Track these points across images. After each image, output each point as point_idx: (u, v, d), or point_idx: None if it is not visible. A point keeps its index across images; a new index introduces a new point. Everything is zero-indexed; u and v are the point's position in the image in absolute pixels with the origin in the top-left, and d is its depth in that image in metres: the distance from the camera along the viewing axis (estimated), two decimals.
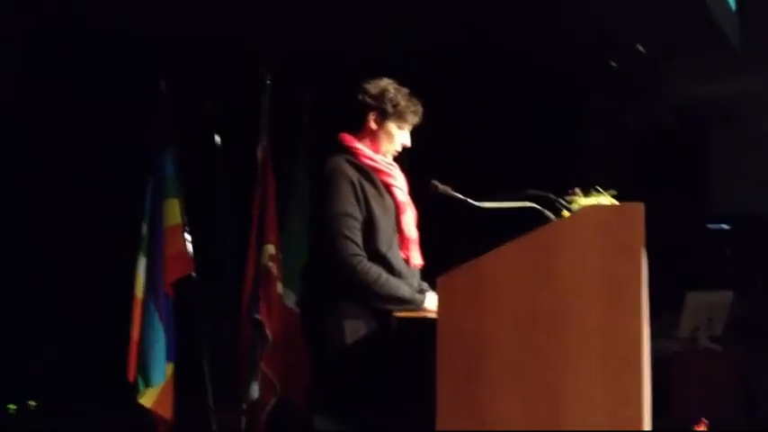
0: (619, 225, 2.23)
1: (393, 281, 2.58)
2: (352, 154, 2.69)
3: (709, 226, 6.09)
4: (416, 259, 2.72)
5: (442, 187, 2.65)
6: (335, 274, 2.55)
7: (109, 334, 4.24)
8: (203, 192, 4.51)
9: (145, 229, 4.27)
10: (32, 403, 4.99)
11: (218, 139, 4.63)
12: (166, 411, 4.25)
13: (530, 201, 2.49)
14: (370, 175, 2.67)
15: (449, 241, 2.83)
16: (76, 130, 4.25)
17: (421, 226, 2.78)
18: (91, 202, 4.33)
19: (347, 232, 2.54)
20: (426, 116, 2.75)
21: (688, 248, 5.68)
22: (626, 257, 2.22)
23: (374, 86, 2.72)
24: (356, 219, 2.57)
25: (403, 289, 2.58)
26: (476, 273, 2.27)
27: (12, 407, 4.86)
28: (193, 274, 4.34)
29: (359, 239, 2.56)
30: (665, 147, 5.71)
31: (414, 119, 2.73)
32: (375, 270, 2.56)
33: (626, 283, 2.22)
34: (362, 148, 2.70)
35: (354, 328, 2.52)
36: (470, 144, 4.57)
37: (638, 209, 2.23)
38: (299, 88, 4.11)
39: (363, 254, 2.57)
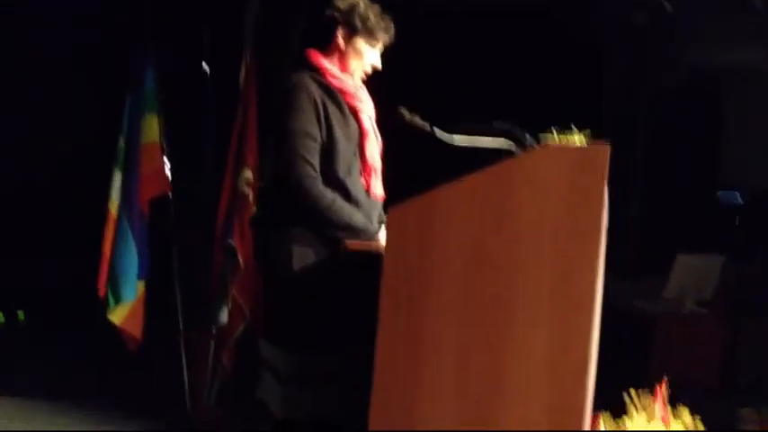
0: (581, 167, 2.09)
1: (347, 208, 2.46)
2: (318, 72, 2.55)
3: (720, 193, 5.93)
4: (378, 189, 2.59)
5: (408, 116, 2.51)
6: (287, 196, 2.43)
7: (84, 248, 4.18)
8: (185, 110, 4.37)
9: (122, 143, 4.16)
10: (21, 313, 4.98)
11: (204, 65, 4.47)
12: (136, 330, 4.20)
13: (496, 134, 2.35)
14: (335, 95, 2.53)
15: (415, 174, 2.69)
16: (59, 38, 4.11)
17: (386, 157, 2.66)
18: (70, 112, 4.22)
19: (303, 152, 2.41)
20: (402, 39, 2.60)
21: (694, 214, 5.53)
22: (585, 203, 2.09)
23: (343, 2, 2.57)
24: (314, 139, 2.44)
25: (357, 217, 2.47)
26: (427, 206, 2.15)
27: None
28: (170, 195, 4.26)
29: (315, 161, 2.44)
30: (679, 108, 5.49)
31: (384, 36, 2.59)
32: (329, 195, 2.44)
33: (583, 231, 2.10)
34: (329, 66, 2.56)
35: (302, 255, 2.41)
36: (449, 73, 4.37)
37: (603, 152, 2.09)
38: (291, 15, 3.95)
39: (318, 176, 2.45)
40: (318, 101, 2.47)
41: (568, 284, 2.09)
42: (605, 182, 2.10)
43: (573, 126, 2.45)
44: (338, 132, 2.48)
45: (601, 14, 4.79)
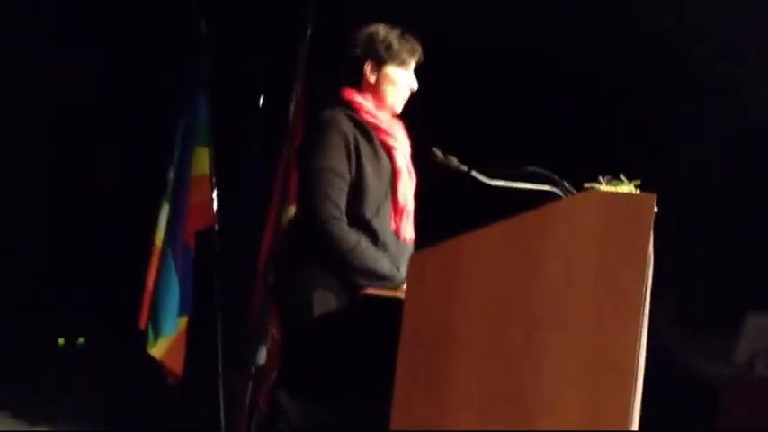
0: (624, 217, 1.90)
1: (372, 252, 2.31)
2: (352, 108, 2.42)
3: None
4: (408, 232, 2.43)
5: (442, 156, 2.36)
6: (310, 237, 2.30)
7: (129, 280, 4.16)
8: (236, 143, 4.33)
9: (171, 175, 4.15)
10: (82, 340, 5.01)
11: (261, 99, 4.43)
12: (176, 365, 4.13)
13: (531, 179, 2.18)
14: (368, 132, 2.40)
15: (449, 217, 2.53)
16: (112, 65, 4.13)
17: (420, 197, 2.51)
18: (121, 142, 4.23)
19: (329, 190, 2.28)
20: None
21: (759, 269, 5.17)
22: (627, 256, 1.89)
23: (361, 35, 2.45)
24: (342, 177, 2.31)
25: (381, 262, 2.31)
26: (453, 254, 1.99)
27: (61, 341, 4.88)
28: (216, 228, 4.20)
29: (341, 201, 2.30)
30: (751, 155, 5.14)
31: (412, 57, 2.45)
32: (353, 237, 2.29)
33: (624, 286, 1.90)
34: (364, 102, 2.43)
35: (323, 301, 2.26)
36: (490, 115, 4.19)
37: (648, 201, 1.89)
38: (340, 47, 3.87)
39: (343, 217, 2.31)
40: (350, 137, 2.35)
41: (604, 345, 1.89)
42: (650, 234, 1.90)
43: (622, 176, 2.26)
44: (369, 170, 2.35)
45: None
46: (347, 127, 2.36)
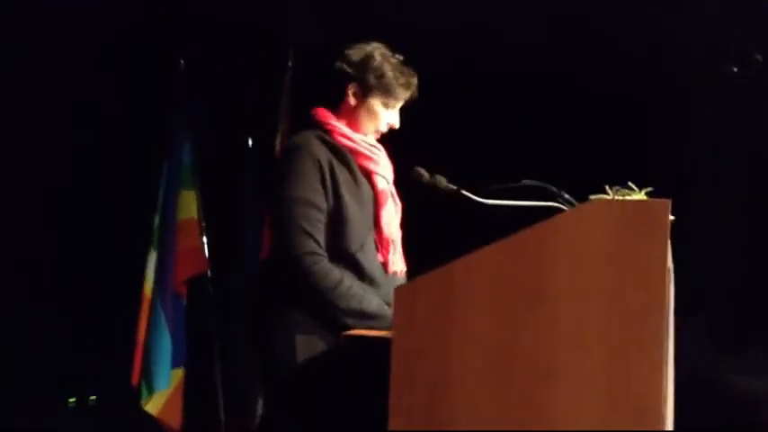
0: (636, 227, 1.66)
1: (356, 290, 2.06)
2: (325, 131, 2.19)
3: None
4: (397, 264, 2.19)
5: (428, 176, 2.12)
6: (288, 276, 2.06)
7: (119, 334, 3.94)
8: (223, 184, 4.13)
9: (157, 221, 3.94)
10: (93, 398, 4.81)
11: (248, 137, 4.25)
12: (173, 420, 3.90)
13: (527, 194, 1.94)
14: (345, 156, 2.16)
15: (444, 245, 2.29)
16: (87, 111, 3.97)
17: (410, 225, 2.28)
18: (101, 190, 4.04)
19: (305, 224, 2.04)
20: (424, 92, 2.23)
21: None
22: (641, 272, 1.64)
23: (357, 52, 2.21)
24: (319, 209, 2.07)
25: (368, 300, 2.06)
26: (443, 284, 1.73)
27: (72, 400, 4.68)
28: (208, 274, 3.99)
29: (319, 235, 2.06)
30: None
31: (404, 94, 2.21)
32: (335, 275, 2.06)
33: (640, 309, 1.64)
34: (338, 125, 2.20)
35: (307, 346, 2.02)
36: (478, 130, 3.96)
37: (662, 207, 1.65)
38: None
39: (323, 253, 2.07)
40: (325, 164, 2.11)
41: (625, 383, 1.63)
42: (667, 244, 1.65)
43: (631, 184, 2.02)
44: (348, 199, 2.11)
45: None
46: (321, 152, 2.13)
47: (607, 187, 2.10)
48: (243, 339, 3.88)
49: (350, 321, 2.04)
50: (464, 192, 2.17)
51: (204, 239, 4.00)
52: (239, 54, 4.01)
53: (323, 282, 2.04)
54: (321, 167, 2.10)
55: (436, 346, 1.72)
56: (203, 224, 4.00)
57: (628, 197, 2.04)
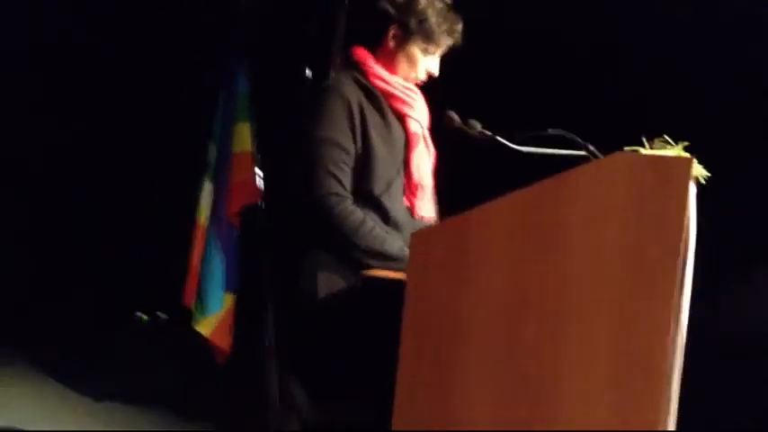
0: (655, 183, 1.62)
1: (378, 232, 2.08)
2: (360, 71, 2.19)
3: None
4: (425, 210, 2.19)
5: (459, 121, 2.09)
6: (311, 216, 2.09)
7: (173, 259, 4.10)
8: (279, 117, 4.18)
9: (213, 152, 4.04)
10: (163, 314, 5.06)
11: (308, 71, 4.26)
12: (224, 343, 4.05)
13: (549, 142, 1.91)
14: (377, 99, 2.16)
15: (476, 193, 2.28)
16: (144, 40, 4.04)
17: (445, 173, 2.27)
18: (159, 120, 4.15)
19: (330, 165, 2.06)
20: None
21: None
22: (659, 226, 1.61)
23: None
24: (345, 150, 2.09)
25: (389, 242, 2.08)
26: (458, 232, 1.75)
27: (144, 317, 4.93)
28: (261, 205, 4.08)
29: (345, 176, 2.09)
30: None
31: (446, 41, 2.18)
32: (358, 216, 2.08)
33: (656, 265, 1.62)
34: (374, 65, 2.19)
35: (329, 283, 2.07)
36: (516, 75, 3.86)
37: (683, 163, 1.61)
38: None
39: (347, 194, 2.09)
40: (354, 105, 2.11)
41: (633, 336, 1.63)
42: (686, 202, 1.62)
43: (666, 137, 1.96)
44: (377, 141, 2.11)
45: None
46: (352, 93, 2.13)
47: (644, 139, 2.07)
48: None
49: (371, 262, 2.07)
50: (498, 138, 2.15)
51: (258, 171, 4.09)
52: None
53: (345, 222, 2.07)
54: (350, 109, 2.11)
55: (449, 292, 1.75)
56: (258, 156, 4.10)
57: (663, 151, 2.01)
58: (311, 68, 4.29)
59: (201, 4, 4.00)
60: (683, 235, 1.63)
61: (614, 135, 2.11)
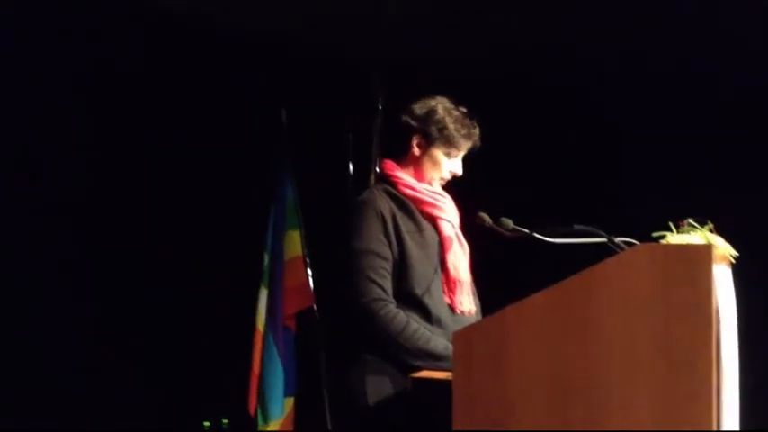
0: (678, 272, 1.69)
1: (423, 332, 2.18)
2: (390, 183, 2.35)
3: None
4: (465, 305, 2.29)
5: (489, 221, 2.21)
6: (356, 322, 2.21)
7: (234, 368, 4.23)
8: (326, 221, 4.36)
9: (267, 260, 4.22)
10: (225, 421, 5.14)
11: (351, 167, 4.48)
12: None
13: (575, 236, 2.00)
14: (408, 206, 2.31)
15: (514, 285, 2.36)
16: (198, 159, 4.30)
17: (480, 265, 2.37)
18: (215, 232, 4.36)
19: (370, 273, 2.19)
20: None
21: None
22: (688, 316, 1.67)
23: (421, 106, 2.36)
24: (383, 257, 2.22)
25: (434, 342, 2.17)
26: (498, 329, 1.84)
27: (207, 424, 5.02)
28: (315, 307, 4.21)
29: (386, 282, 2.21)
30: None
31: (465, 144, 2.34)
32: (401, 318, 2.18)
33: (689, 351, 1.67)
34: (403, 176, 2.35)
35: (378, 386, 2.16)
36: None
37: (704, 251, 1.68)
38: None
39: (389, 298, 2.21)
40: (387, 215, 2.26)
41: (674, 418, 1.66)
42: (711, 288, 1.68)
43: (690, 221, 2.03)
44: (411, 246, 2.25)
45: None
46: (384, 204, 2.28)
47: (671, 224, 2.14)
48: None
49: (418, 363, 2.15)
50: (535, 234, 2.25)
51: (310, 273, 4.24)
52: (335, 97, 4.24)
53: (390, 326, 2.17)
54: (384, 219, 2.25)
55: (493, 387, 1.82)
56: (308, 260, 4.26)
57: (690, 235, 2.07)
58: (354, 172, 4.52)
59: (246, 120, 4.28)
60: (714, 319, 1.68)
61: (642, 221, 2.21)
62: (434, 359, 2.15)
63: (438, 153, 2.34)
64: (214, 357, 4.33)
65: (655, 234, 2.11)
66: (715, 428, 1.66)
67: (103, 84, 4.03)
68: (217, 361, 4.33)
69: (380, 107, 4.00)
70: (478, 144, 2.36)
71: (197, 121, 4.20)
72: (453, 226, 2.37)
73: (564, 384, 1.76)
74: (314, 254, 4.27)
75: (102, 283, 4.12)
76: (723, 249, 1.93)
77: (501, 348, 1.82)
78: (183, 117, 4.17)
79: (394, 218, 2.27)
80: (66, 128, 3.93)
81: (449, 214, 2.36)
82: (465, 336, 1.87)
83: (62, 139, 3.91)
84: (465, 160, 2.41)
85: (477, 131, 2.35)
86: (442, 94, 2.45)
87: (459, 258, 2.33)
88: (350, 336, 2.25)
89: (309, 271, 4.24)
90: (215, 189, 4.33)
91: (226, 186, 4.34)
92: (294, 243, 4.30)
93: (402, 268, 2.23)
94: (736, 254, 2.05)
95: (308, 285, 4.26)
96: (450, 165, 2.36)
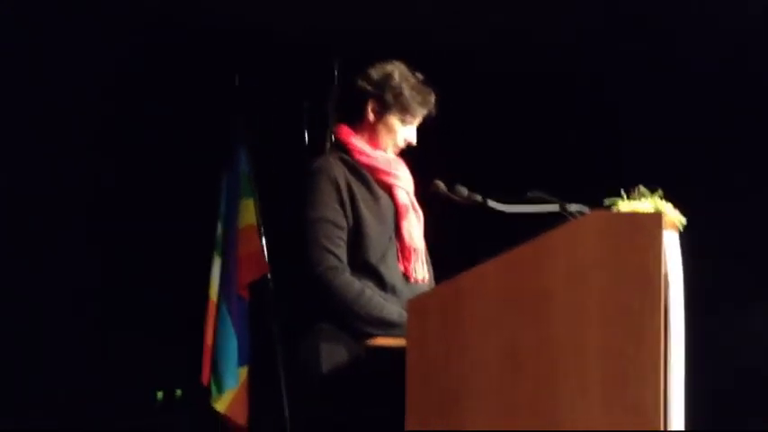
0: (629, 239, 1.71)
1: (377, 300, 2.18)
2: (345, 151, 2.32)
3: None
4: (419, 273, 2.29)
5: (444, 188, 2.22)
6: (311, 291, 2.19)
7: (186, 337, 4.19)
8: (281, 189, 4.32)
9: (220, 229, 4.16)
10: (179, 392, 5.09)
11: (306, 135, 4.43)
12: (240, 417, 4.13)
13: (532, 203, 2.02)
14: (363, 174, 2.29)
15: (468, 252, 2.38)
16: (150, 125, 4.22)
17: (433, 234, 2.38)
18: (165, 200, 4.30)
19: (324, 241, 2.17)
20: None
21: None
22: (638, 282, 1.70)
23: (377, 71, 2.33)
24: (337, 225, 2.20)
25: (388, 309, 2.17)
26: (451, 296, 1.84)
27: (160, 394, 4.97)
28: (269, 276, 4.19)
29: (340, 250, 2.19)
30: None
31: (420, 111, 2.32)
32: (356, 286, 2.18)
33: (639, 316, 1.70)
34: (358, 143, 2.33)
35: (332, 354, 2.15)
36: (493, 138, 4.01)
37: (653, 220, 1.70)
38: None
39: (344, 266, 2.20)
40: (342, 183, 2.24)
41: (621, 381, 1.70)
42: (661, 252, 1.71)
43: (641, 187, 2.06)
44: (366, 214, 2.23)
45: None
46: (338, 171, 2.26)
47: (622, 191, 2.17)
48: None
49: (372, 330, 2.15)
50: (489, 202, 2.26)
51: (264, 242, 4.21)
52: (290, 66, 4.18)
53: (344, 293, 2.16)
54: (339, 187, 2.23)
55: (447, 354, 1.83)
56: (262, 229, 4.22)
57: (640, 201, 2.11)
58: (309, 139, 4.48)
59: (199, 88, 4.19)
60: (663, 284, 1.72)
61: (595, 186, 2.24)
62: (389, 327, 2.15)
63: (393, 119, 2.32)
64: (167, 327, 4.29)
65: (606, 201, 2.15)
66: (662, 390, 1.70)
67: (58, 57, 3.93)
68: (169, 331, 4.30)
69: (337, 74, 3.96)
70: (434, 112, 2.34)
71: (149, 87, 4.11)
72: (408, 194, 2.36)
73: (515, 351, 1.77)
74: (268, 222, 4.25)
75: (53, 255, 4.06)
76: (672, 216, 1.96)
77: (455, 316, 1.83)
78: (134, 83, 4.08)
79: (348, 185, 2.24)
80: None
81: (404, 182, 2.35)
82: (419, 303, 1.87)
83: None
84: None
85: (432, 99, 2.33)
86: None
87: (414, 226, 2.32)
88: (304, 304, 2.24)
89: (264, 240, 4.24)
90: (167, 157, 4.26)
91: (178, 154, 4.26)
92: (248, 211, 4.24)
93: (357, 236, 2.22)
94: (685, 221, 2.10)
95: (263, 254, 4.23)
96: (405, 132, 2.34)
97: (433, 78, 2.40)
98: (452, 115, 2.42)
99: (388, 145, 2.34)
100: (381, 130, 2.32)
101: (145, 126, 4.13)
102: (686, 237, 2.13)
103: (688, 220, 2.11)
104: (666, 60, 3.90)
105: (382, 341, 2.09)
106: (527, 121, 4.05)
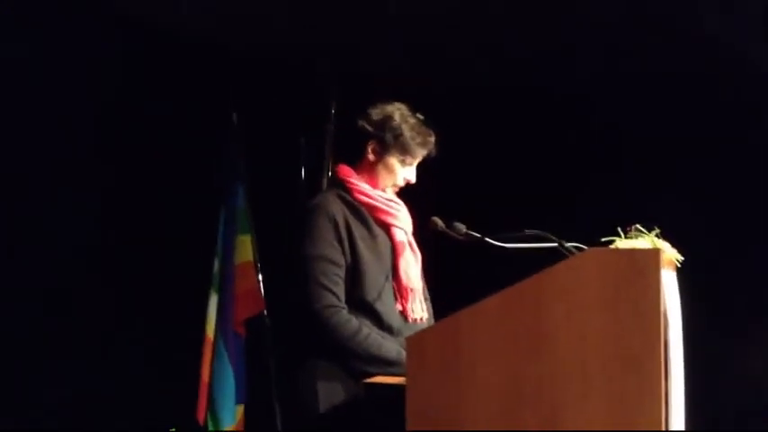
0: (628, 276, 1.72)
1: (374, 338, 2.18)
2: (345, 189, 2.34)
3: None
4: (417, 312, 2.30)
5: (442, 225, 2.22)
6: (308, 328, 2.19)
7: (182, 374, 4.15)
8: (277, 226, 4.32)
9: (216, 265, 4.16)
10: (173, 430, 5.04)
11: (303, 171, 4.45)
12: None
13: (527, 241, 2.02)
14: (361, 212, 2.31)
15: (466, 289, 2.38)
16: (148, 161, 4.23)
17: (432, 272, 2.38)
18: (162, 236, 4.29)
19: (322, 278, 2.18)
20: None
21: None
22: (637, 318, 1.70)
23: (378, 112, 2.36)
24: (335, 263, 2.21)
25: (386, 347, 2.17)
26: (451, 333, 1.84)
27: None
28: (265, 313, 4.17)
29: (338, 288, 2.20)
30: None
31: (420, 152, 2.34)
32: (353, 324, 2.18)
33: (640, 351, 1.70)
34: (357, 182, 2.35)
35: (329, 392, 2.15)
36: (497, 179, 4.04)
37: (652, 256, 1.71)
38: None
39: (341, 304, 2.20)
40: (340, 220, 2.25)
41: (625, 417, 1.69)
42: (659, 288, 1.71)
43: (638, 226, 2.07)
44: (364, 252, 2.24)
45: None
46: (337, 208, 2.27)
47: (619, 229, 2.18)
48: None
49: (370, 368, 2.15)
50: (486, 239, 2.26)
51: (260, 279, 4.20)
52: (287, 103, 4.21)
53: (342, 331, 2.17)
54: (337, 224, 2.25)
55: (447, 391, 1.82)
56: (259, 265, 4.22)
57: (637, 239, 2.12)
58: (306, 175, 4.49)
59: (196, 123, 4.21)
60: (662, 320, 1.72)
61: (592, 226, 2.25)
62: (386, 365, 2.15)
63: (393, 160, 2.34)
64: (162, 364, 4.26)
65: (603, 239, 2.16)
66: (664, 428, 1.69)
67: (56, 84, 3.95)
68: (165, 368, 4.26)
69: (333, 111, 3.99)
70: (434, 152, 2.37)
71: (147, 122, 4.14)
72: (406, 233, 2.37)
73: (517, 388, 1.77)
74: (265, 259, 4.25)
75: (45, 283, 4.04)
76: (669, 254, 1.97)
77: (454, 353, 1.83)
78: (132, 119, 4.11)
79: (347, 223, 2.26)
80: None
81: (402, 221, 2.37)
82: (418, 340, 1.87)
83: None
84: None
85: (432, 140, 2.35)
86: (401, 99, 2.44)
87: (411, 265, 2.33)
88: (301, 342, 2.24)
89: (260, 276, 4.23)
90: (165, 192, 4.26)
91: (176, 190, 4.27)
92: (245, 248, 4.24)
93: (354, 274, 2.22)
94: (682, 258, 2.11)
95: (259, 291, 4.21)
96: (404, 172, 2.36)
97: (430, 116, 2.42)
98: (451, 154, 2.44)
99: (388, 184, 2.37)
100: (381, 170, 2.35)
101: (142, 162, 4.14)
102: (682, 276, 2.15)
103: (684, 259, 2.12)
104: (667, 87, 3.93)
105: (380, 379, 2.08)
106: (524, 161, 4.07)
